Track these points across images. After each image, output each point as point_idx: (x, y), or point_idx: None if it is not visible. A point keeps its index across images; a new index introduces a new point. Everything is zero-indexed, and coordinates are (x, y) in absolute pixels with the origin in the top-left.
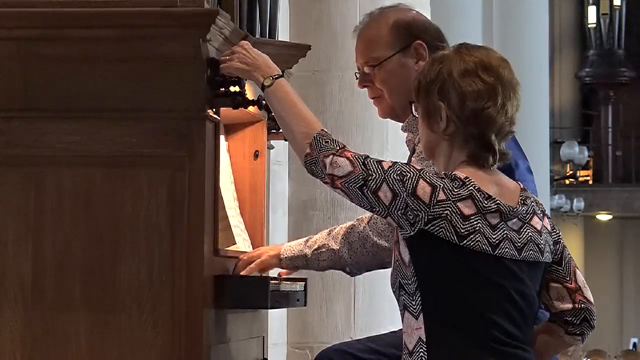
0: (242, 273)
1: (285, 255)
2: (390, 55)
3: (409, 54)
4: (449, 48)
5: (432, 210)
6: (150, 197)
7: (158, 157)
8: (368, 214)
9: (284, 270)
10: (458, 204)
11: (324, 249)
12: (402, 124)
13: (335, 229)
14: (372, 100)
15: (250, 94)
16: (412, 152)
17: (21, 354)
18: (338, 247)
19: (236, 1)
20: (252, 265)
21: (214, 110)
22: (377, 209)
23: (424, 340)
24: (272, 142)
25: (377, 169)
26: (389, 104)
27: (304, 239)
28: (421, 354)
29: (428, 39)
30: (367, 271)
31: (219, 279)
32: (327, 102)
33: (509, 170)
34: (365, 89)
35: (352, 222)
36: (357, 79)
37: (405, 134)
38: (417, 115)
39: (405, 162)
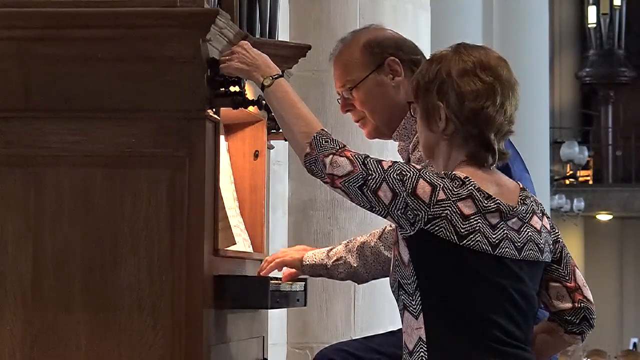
0: (264, 272)
1: (307, 263)
2: (365, 76)
3: (383, 72)
4: (424, 59)
5: (432, 210)
6: (150, 197)
7: (158, 157)
8: (377, 224)
9: (285, 274)
10: (458, 203)
11: (341, 262)
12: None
13: (351, 241)
14: (357, 124)
15: (250, 94)
16: (407, 160)
17: (21, 354)
18: (355, 264)
19: (236, 1)
20: (272, 264)
21: (214, 110)
22: (377, 209)
23: (424, 340)
24: (272, 142)
25: (377, 169)
26: (373, 124)
27: (327, 248)
28: (421, 353)
29: (401, 54)
30: (376, 279)
31: (219, 279)
32: (327, 102)
33: (506, 170)
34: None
35: (364, 238)
36: (339, 104)
37: (397, 143)
38: (415, 116)
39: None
